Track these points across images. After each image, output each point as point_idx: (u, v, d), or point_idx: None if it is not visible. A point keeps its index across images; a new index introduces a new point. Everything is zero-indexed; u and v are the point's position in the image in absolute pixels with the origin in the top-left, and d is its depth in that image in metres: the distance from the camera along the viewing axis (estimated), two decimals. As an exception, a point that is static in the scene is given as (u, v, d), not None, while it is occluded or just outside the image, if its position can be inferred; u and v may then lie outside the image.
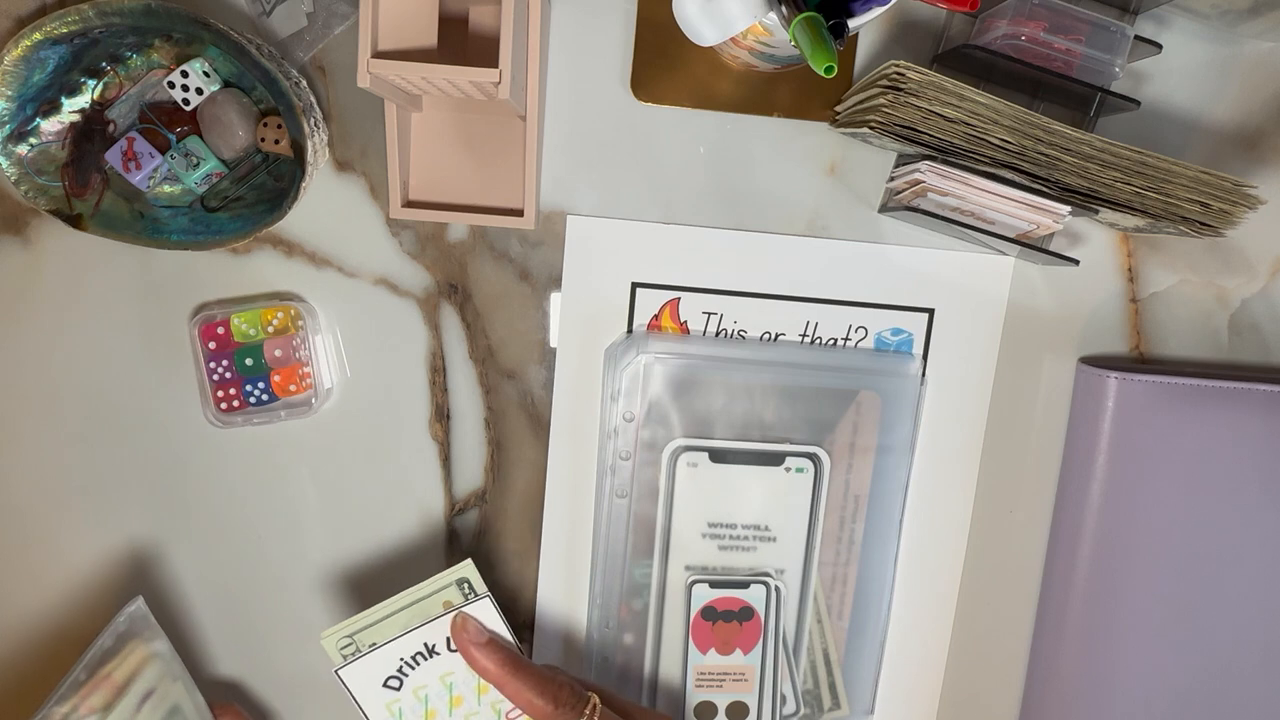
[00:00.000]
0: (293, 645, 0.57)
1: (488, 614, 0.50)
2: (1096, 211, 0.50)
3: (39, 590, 0.56)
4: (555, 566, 0.57)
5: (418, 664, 0.50)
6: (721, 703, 0.56)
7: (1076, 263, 0.51)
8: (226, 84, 0.52)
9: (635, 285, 0.55)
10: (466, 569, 0.51)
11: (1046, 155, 0.47)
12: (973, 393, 0.57)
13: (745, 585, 0.56)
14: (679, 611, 0.56)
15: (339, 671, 0.49)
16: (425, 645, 0.50)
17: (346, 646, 0.50)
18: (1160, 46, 0.51)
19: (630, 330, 0.56)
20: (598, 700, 0.48)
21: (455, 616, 0.50)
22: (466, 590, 0.51)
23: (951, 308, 0.56)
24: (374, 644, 0.50)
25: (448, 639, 0.50)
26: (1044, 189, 0.48)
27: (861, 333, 0.56)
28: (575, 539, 0.57)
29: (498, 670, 0.48)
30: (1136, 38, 0.50)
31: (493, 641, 0.49)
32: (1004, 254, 0.56)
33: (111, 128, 0.53)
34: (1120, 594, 0.56)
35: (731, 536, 0.56)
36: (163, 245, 0.52)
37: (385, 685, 0.50)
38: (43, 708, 0.45)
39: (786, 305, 0.56)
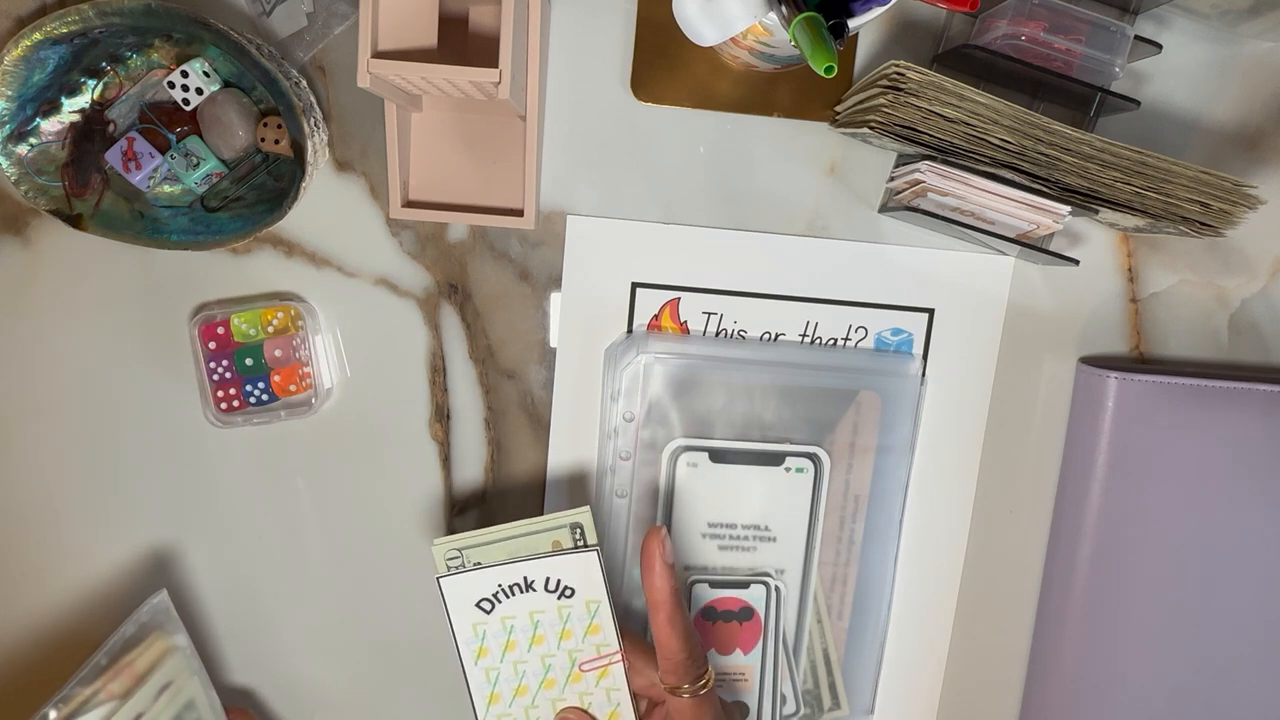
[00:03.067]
0: (292, 645, 0.57)
1: (592, 568, 0.50)
2: (1096, 211, 0.49)
3: (39, 589, 0.56)
4: (555, 566, 0.57)
5: (512, 594, 0.50)
6: (721, 703, 0.56)
7: (1076, 263, 0.51)
8: (226, 84, 0.52)
9: (635, 285, 0.55)
10: (583, 515, 0.51)
11: (1046, 155, 0.47)
12: (973, 393, 0.57)
13: (745, 585, 0.56)
14: (679, 611, 0.56)
15: (440, 580, 0.50)
16: (524, 578, 0.50)
17: (454, 559, 0.51)
18: (1160, 46, 0.51)
19: (630, 330, 0.56)
20: (713, 679, 0.49)
21: (659, 528, 0.50)
22: (578, 536, 0.51)
23: (951, 308, 0.56)
24: (478, 563, 0.50)
25: (546, 579, 0.50)
26: (1044, 189, 0.48)
27: (861, 333, 0.56)
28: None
29: (668, 597, 0.49)
30: (1136, 38, 0.50)
31: (674, 569, 0.50)
32: (1004, 254, 0.56)
33: (111, 128, 0.53)
34: (1120, 593, 0.56)
35: (731, 536, 0.56)
36: (163, 245, 0.52)
37: (477, 606, 0.50)
38: (64, 688, 0.46)
39: (786, 305, 0.56)
